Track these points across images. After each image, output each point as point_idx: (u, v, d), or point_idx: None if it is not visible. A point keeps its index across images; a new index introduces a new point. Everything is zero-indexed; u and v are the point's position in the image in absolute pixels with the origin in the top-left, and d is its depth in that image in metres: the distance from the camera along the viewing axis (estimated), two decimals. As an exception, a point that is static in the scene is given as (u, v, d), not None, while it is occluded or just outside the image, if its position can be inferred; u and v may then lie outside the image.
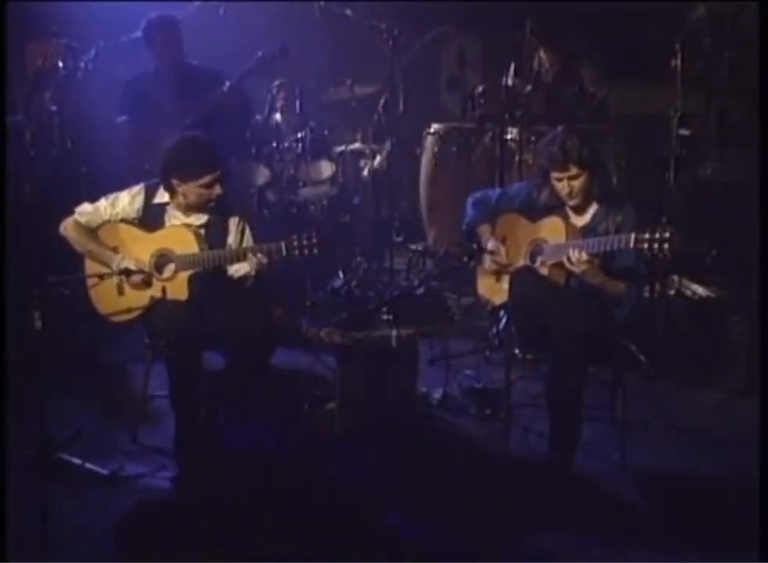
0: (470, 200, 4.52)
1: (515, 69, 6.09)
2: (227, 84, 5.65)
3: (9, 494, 3.47)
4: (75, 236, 4.29)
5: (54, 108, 5.73)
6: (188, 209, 4.25)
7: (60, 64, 5.75)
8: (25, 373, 3.80)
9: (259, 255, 4.05)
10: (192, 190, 4.17)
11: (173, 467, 4.12)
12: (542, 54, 6.77)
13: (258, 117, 6.51)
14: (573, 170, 4.08)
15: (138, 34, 5.82)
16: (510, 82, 5.92)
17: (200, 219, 4.27)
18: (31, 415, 3.77)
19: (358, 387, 4.44)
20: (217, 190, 4.17)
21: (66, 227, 4.31)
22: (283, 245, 4.01)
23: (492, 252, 4.33)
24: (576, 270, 3.95)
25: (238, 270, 4.19)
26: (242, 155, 6.21)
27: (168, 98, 5.69)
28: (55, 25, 5.88)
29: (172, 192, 4.23)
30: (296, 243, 3.98)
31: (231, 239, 4.28)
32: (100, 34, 5.79)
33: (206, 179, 4.14)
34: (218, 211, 4.27)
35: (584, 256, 3.90)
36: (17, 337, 4.05)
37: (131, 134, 5.79)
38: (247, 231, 4.32)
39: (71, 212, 4.34)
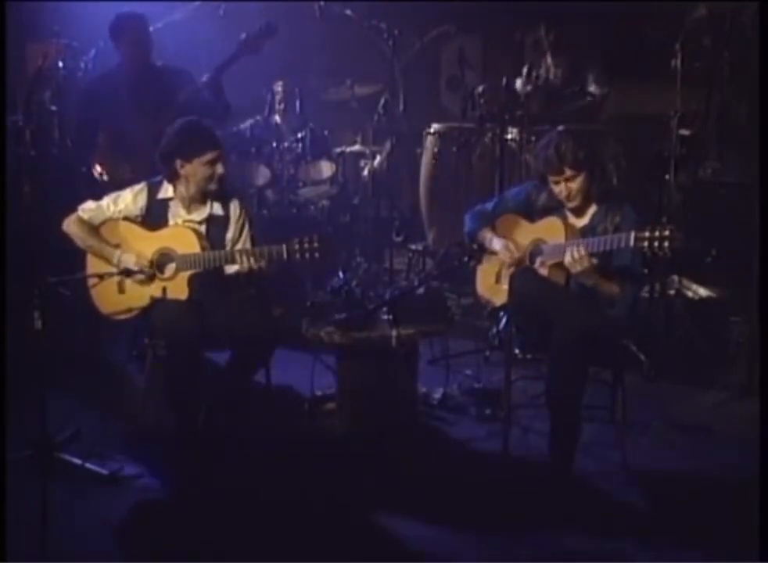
0: (467, 215, 4.53)
1: (516, 69, 6.10)
2: (205, 77, 5.46)
3: (9, 494, 3.48)
4: (77, 232, 4.30)
5: (54, 108, 5.73)
6: (191, 202, 4.26)
7: (60, 64, 5.74)
8: (25, 373, 3.80)
9: (257, 257, 4.05)
10: (196, 168, 4.18)
11: (173, 468, 4.12)
12: (549, 58, 6.78)
13: (258, 117, 6.52)
14: (569, 173, 4.08)
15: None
16: (515, 84, 5.93)
17: (202, 214, 4.28)
18: (31, 415, 3.77)
19: (358, 387, 4.44)
20: (220, 169, 4.19)
21: (69, 224, 4.33)
22: (284, 248, 4.00)
23: (496, 252, 4.33)
24: (576, 268, 3.94)
25: (231, 267, 4.20)
26: (242, 155, 6.21)
27: (134, 97, 5.60)
28: (55, 25, 5.87)
29: (175, 180, 4.24)
30: (296, 246, 3.98)
31: (230, 235, 4.29)
32: (100, 34, 5.78)
33: (210, 155, 4.17)
34: (220, 203, 4.28)
35: (585, 263, 3.90)
36: (17, 337, 4.05)
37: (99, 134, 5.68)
38: (246, 229, 4.32)
39: (73, 210, 4.35)
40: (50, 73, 5.70)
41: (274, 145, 6.42)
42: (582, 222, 4.19)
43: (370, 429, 4.37)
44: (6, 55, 5.21)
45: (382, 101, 6.44)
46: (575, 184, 4.11)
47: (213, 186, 4.23)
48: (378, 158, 6.74)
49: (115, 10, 5.83)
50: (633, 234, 3.79)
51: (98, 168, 5.52)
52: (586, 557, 3.51)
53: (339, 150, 6.81)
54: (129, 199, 4.30)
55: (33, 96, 5.54)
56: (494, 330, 5.24)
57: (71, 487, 3.83)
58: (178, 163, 4.20)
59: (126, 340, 5.02)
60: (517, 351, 4.88)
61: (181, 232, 4.22)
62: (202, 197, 4.27)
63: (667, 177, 5.41)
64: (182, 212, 4.29)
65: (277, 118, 6.60)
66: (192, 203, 4.28)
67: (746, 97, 6.21)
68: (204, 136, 4.22)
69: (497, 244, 4.33)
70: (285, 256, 4.00)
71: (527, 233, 4.27)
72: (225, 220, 4.30)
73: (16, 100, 5.50)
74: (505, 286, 4.17)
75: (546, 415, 4.10)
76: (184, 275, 4.15)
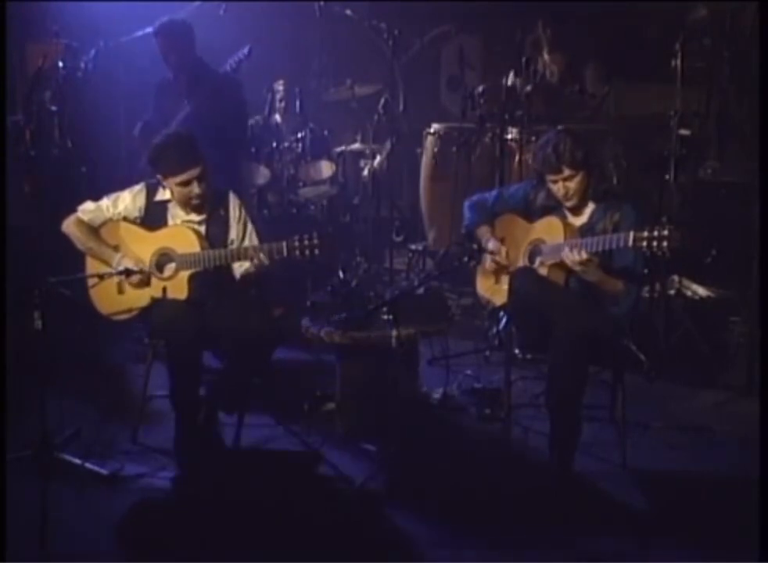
0: (467, 204, 4.53)
1: (515, 69, 6.10)
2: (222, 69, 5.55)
3: (9, 494, 3.48)
4: (76, 233, 4.29)
5: (54, 108, 5.73)
6: (186, 205, 4.26)
7: (60, 64, 5.74)
8: (25, 373, 3.80)
9: (261, 255, 4.05)
10: (172, 186, 4.18)
11: (173, 468, 4.12)
12: (546, 56, 6.78)
13: (258, 117, 6.52)
14: (567, 172, 4.08)
15: (139, 33, 5.81)
16: (510, 82, 5.93)
17: (201, 215, 4.28)
18: (31, 415, 3.77)
19: (358, 387, 4.44)
20: (195, 189, 4.16)
21: (68, 225, 4.32)
22: (284, 244, 4.00)
23: (492, 253, 4.34)
24: (575, 268, 3.95)
25: (240, 267, 4.20)
26: (243, 155, 6.20)
27: (181, 102, 5.62)
28: (55, 25, 5.88)
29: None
30: (296, 243, 3.98)
31: (234, 234, 4.29)
32: (100, 34, 5.79)
33: (183, 176, 4.13)
34: (218, 206, 4.28)
35: (583, 255, 3.90)
36: (17, 337, 4.05)
37: (145, 137, 5.71)
38: (249, 225, 4.32)
39: (72, 211, 4.35)
40: (50, 73, 5.71)
41: (274, 145, 6.42)
42: (580, 221, 4.19)
43: (370, 429, 4.37)
44: (6, 55, 5.22)
45: (382, 101, 6.44)
46: (572, 184, 4.11)
47: (194, 202, 4.21)
48: (378, 158, 6.74)
49: (115, 10, 5.85)
50: (632, 234, 3.78)
51: None
52: (586, 557, 3.51)
53: (339, 150, 6.81)
54: (128, 200, 4.30)
55: (33, 96, 5.55)
56: (494, 330, 5.24)
57: (71, 487, 3.83)
58: (159, 178, 4.21)
59: (126, 340, 5.03)
60: (517, 351, 4.90)
61: (181, 232, 4.22)
62: (192, 206, 4.25)
63: (667, 177, 5.41)
64: (181, 213, 4.28)
65: (277, 118, 6.60)
66: (187, 206, 4.27)
67: (746, 97, 6.21)
68: (181, 153, 4.15)
69: (490, 245, 4.34)
70: (284, 253, 4.01)
71: (526, 233, 4.27)
72: (225, 219, 4.29)
73: (16, 100, 5.51)
74: (505, 286, 4.17)
75: (546, 415, 4.10)
76: (184, 275, 4.15)
